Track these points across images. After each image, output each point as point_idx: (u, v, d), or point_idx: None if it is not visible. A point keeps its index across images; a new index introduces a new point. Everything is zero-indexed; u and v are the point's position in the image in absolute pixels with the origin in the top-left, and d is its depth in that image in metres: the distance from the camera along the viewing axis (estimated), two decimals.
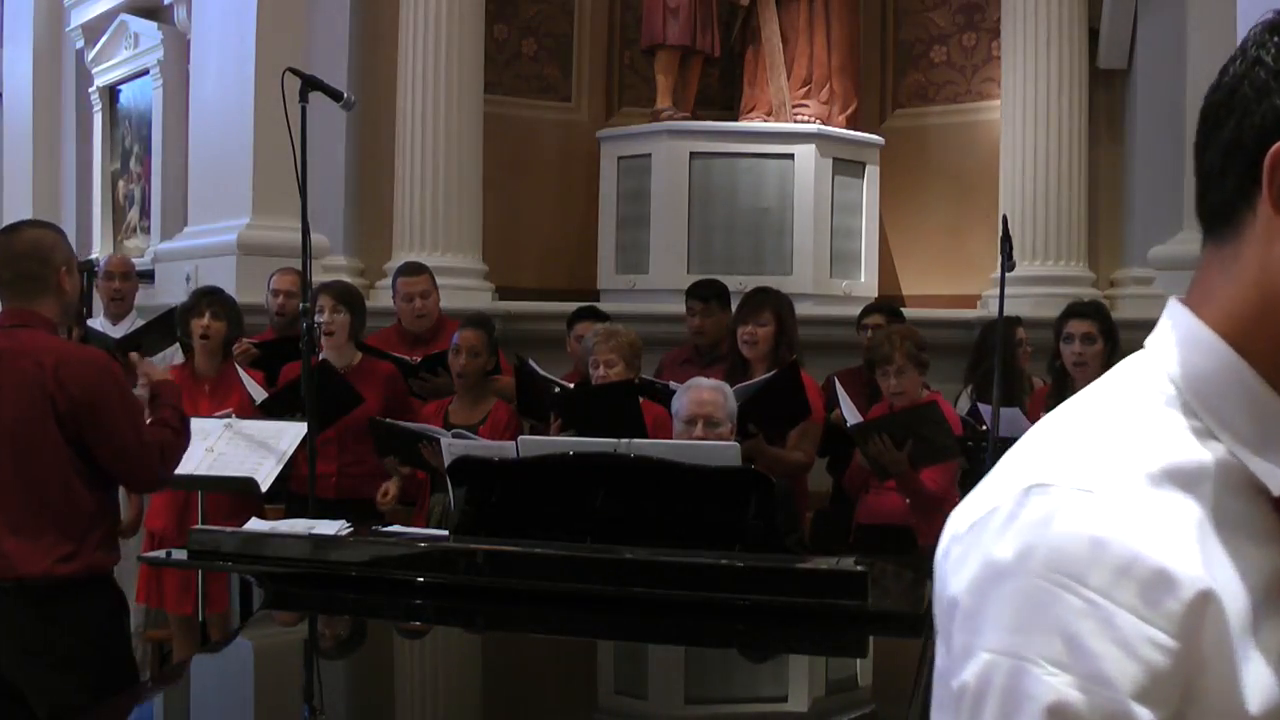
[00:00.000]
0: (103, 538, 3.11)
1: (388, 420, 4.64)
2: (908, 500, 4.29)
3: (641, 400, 4.39)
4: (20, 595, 3.00)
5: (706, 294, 5.28)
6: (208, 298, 4.87)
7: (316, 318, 4.59)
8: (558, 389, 4.64)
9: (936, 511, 4.30)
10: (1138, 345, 0.91)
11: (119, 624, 3.19)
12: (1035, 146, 6.45)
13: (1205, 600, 0.76)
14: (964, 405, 4.88)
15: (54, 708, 2.97)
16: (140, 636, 4.92)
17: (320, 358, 4.60)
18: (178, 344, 5.20)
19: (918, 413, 4.20)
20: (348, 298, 4.94)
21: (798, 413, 4.46)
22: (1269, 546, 0.80)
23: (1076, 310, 4.46)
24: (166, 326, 5.19)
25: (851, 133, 7.00)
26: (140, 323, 5.67)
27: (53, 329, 3.16)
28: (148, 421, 3.23)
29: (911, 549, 4.16)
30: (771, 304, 4.76)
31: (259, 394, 4.68)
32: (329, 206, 6.46)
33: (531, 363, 5.01)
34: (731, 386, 4.27)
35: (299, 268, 5.60)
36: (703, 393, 3.88)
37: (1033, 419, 4.22)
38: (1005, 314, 4.58)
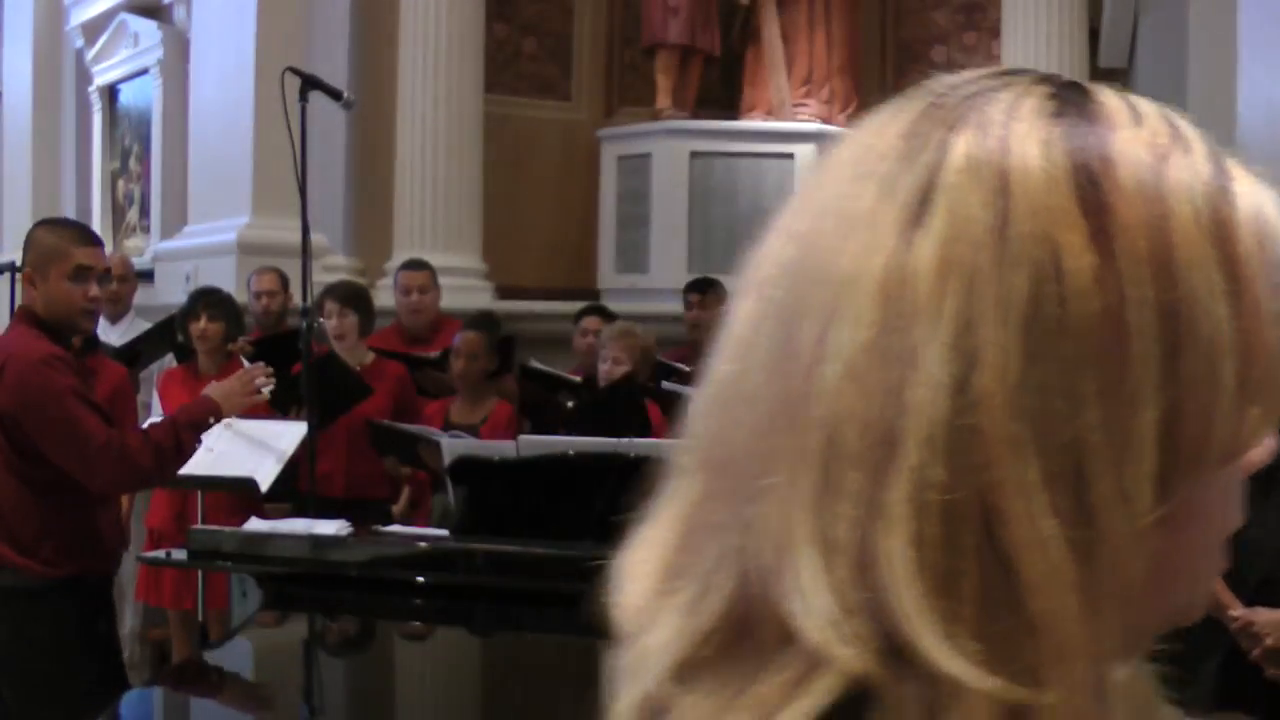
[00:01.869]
0: (56, 548, 3.01)
1: (386, 422, 4.64)
2: None
3: (648, 403, 4.40)
4: None
5: (704, 286, 5.39)
6: (204, 299, 4.85)
7: (324, 322, 4.62)
8: (570, 402, 4.63)
9: None
10: None
11: (87, 631, 3.09)
12: None
13: None
14: None
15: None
16: (135, 636, 4.92)
17: (328, 351, 4.63)
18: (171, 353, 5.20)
19: None
20: (354, 299, 4.92)
21: None
22: None
23: None
24: (166, 333, 5.19)
25: None
26: (138, 323, 5.66)
27: (37, 323, 3.10)
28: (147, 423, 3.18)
29: None
30: None
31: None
32: (329, 206, 6.45)
33: (535, 362, 5.01)
34: None
35: (278, 266, 5.65)
36: None
37: None
38: None
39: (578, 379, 4.91)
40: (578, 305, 5.67)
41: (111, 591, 3.30)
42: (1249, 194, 0.53)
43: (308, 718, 2.38)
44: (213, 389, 3.34)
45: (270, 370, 3.65)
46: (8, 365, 2.99)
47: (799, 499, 0.49)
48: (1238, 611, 2.86)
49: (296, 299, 4.71)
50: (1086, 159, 0.49)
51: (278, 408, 4.46)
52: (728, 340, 0.54)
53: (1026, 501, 0.47)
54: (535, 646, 2.90)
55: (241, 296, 5.81)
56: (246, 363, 4.76)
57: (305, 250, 3.85)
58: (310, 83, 3.83)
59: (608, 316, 5.36)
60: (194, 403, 3.27)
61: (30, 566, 2.98)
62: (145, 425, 3.22)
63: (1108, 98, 0.53)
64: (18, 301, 7.09)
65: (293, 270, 4.73)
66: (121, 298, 5.83)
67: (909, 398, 0.48)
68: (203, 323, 4.74)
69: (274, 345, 5.09)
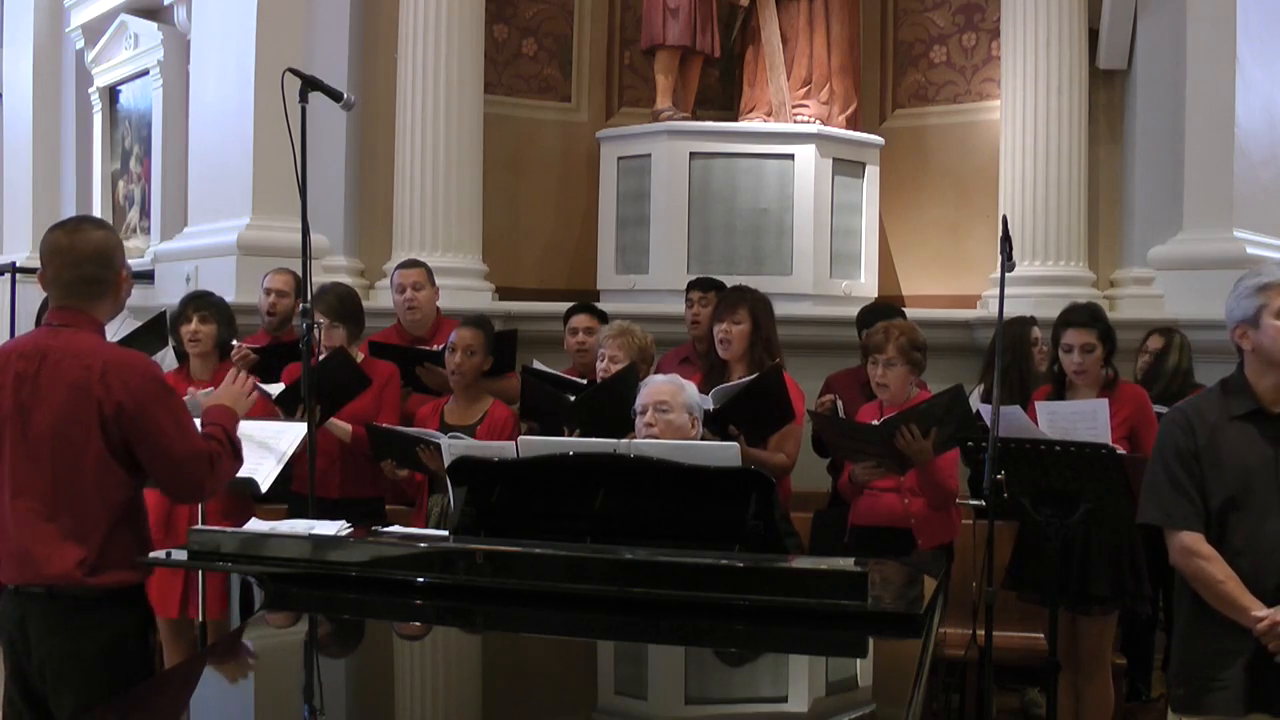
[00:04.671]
0: (128, 550, 3.04)
1: (385, 425, 4.64)
2: (920, 498, 4.31)
3: None
4: (50, 602, 2.97)
5: (707, 285, 5.40)
6: (194, 302, 4.84)
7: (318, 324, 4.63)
8: (574, 397, 4.63)
9: (952, 505, 4.35)
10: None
11: (142, 642, 3.11)
12: (1035, 146, 6.45)
13: None
14: (974, 404, 4.85)
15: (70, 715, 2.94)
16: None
17: (334, 347, 4.66)
18: (169, 348, 5.20)
19: (940, 399, 4.23)
20: (341, 311, 4.89)
21: (780, 417, 4.45)
22: None
23: (1074, 320, 4.33)
24: (158, 330, 5.18)
25: (851, 133, 7.00)
26: (129, 323, 5.67)
27: (101, 331, 3.09)
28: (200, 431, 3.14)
29: (907, 551, 4.16)
30: (748, 303, 4.73)
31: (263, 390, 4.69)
32: (329, 206, 6.46)
33: (539, 364, 5.01)
34: (713, 388, 4.29)
35: (294, 269, 5.65)
36: (656, 385, 3.92)
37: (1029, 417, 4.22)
38: (1018, 314, 4.55)
39: (582, 380, 4.91)
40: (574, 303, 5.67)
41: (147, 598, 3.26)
42: None
43: (308, 718, 2.38)
44: (220, 399, 3.34)
45: (256, 381, 3.70)
46: (111, 369, 2.96)
47: None
48: (1262, 612, 2.85)
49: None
50: None
51: (285, 408, 4.47)
52: None
53: None
54: (535, 647, 2.90)
55: (241, 298, 5.82)
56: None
57: (305, 251, 3.85)
58: (310, 84, 3.84)
59: (598, 315, 5.37)
60: (220, 415, 3.26)
61: (87, 578, 2.95)
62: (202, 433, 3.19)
63: None
64: (18, 302, 7.12)
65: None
66: None
67: None
68: (195, 325, 4.73)
69: (274, 353, 5.10)
